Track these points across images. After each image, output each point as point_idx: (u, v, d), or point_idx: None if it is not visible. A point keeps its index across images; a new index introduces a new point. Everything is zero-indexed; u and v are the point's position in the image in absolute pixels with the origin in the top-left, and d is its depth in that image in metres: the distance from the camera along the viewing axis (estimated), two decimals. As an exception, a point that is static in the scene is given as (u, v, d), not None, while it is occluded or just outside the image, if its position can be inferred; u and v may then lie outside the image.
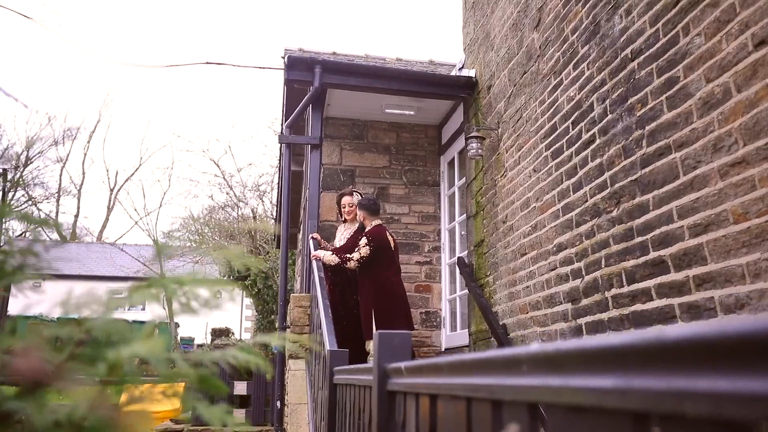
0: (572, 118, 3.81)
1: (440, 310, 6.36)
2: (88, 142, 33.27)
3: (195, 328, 23.35)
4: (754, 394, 0.39)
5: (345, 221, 5.34)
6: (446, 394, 1.11)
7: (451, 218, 6.42)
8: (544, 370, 0.69)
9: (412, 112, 6.32)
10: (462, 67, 6.21)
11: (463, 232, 5.99)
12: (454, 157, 6.40)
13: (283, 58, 5.96)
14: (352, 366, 2.35)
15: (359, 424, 2.00)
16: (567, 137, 3.87)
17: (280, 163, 6.94)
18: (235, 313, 25.31)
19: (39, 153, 28.18)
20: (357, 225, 5.21)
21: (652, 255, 2.92)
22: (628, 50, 3.22)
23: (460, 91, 5.83)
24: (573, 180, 3.76)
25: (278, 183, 10.71)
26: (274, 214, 13.97)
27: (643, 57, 3.09)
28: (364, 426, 1.90)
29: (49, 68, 46.09)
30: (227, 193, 18.86)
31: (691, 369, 0.46)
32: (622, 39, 3.29)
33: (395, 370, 1.48)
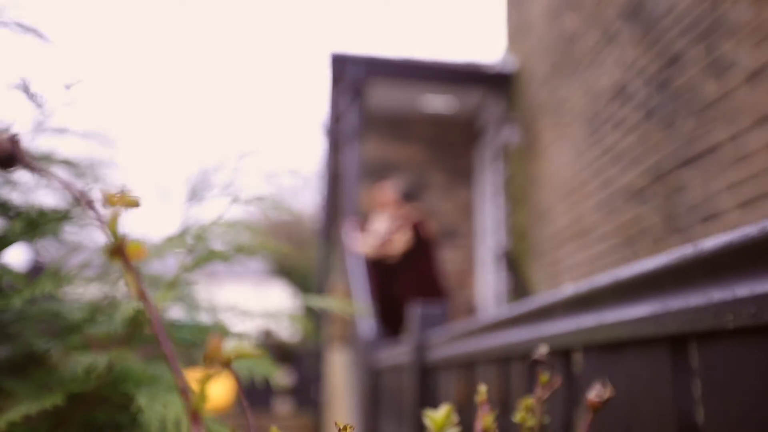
0: (615, 101, 3.71)
1: (480, 301, 6.29)
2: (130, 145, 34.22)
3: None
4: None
5: (382, 212, 5.33)
6: (482, 360, 1.10)
7: (490, 209, 6.35)
8: (578, 309, 0.66)
9: (449, 105, 6.27)
10: (502, 59, 6.12)
11: (502, 223, 5.91)
12: (492, 148, 6.32)
13: (327, 58, 6.04)
14: (389, 346, 2.35)
15: (399, 402, 2.00)
16: (609, 122, 3.77)
17: (322, 158, 7.01)
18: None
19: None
20: (394, 216, 5.20)
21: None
22: (673, 28, 3.12)
23: (498, 81, 5.75)
24: (616, 166, 3.66)
25: (320, 178, 10.81)
26: (317, 208, 14.11)
27: (689, 34, 2.98)
28: (402, 402, 1.89)
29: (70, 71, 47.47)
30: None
31: (731, 276, 0.43)
32: (666, 16, 3.18)
33: (430, 340, 1.47)
